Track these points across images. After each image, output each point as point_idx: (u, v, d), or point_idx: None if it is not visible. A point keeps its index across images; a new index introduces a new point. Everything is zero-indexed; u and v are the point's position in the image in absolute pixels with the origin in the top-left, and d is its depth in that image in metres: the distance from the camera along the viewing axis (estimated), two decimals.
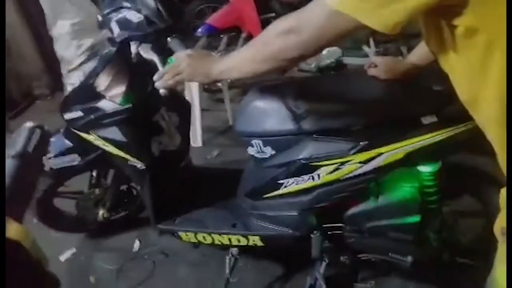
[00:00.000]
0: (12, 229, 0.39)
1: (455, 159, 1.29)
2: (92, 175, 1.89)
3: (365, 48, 3.06)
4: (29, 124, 0.56)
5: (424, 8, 0.71)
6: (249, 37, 3.01)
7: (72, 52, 2.99)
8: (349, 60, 3.08)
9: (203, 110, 2.80)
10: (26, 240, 0.39)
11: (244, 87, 3.08)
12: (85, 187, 1.92)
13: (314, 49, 0.87)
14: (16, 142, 0.53)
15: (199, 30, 2.95)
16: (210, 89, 3.08)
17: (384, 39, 3.13)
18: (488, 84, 0.75)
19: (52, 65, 3.43)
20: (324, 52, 3.04)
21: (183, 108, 1.80)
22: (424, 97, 1.21)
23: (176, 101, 1.72)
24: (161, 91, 1.15)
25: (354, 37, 2.93)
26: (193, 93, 2.60)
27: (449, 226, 1.42)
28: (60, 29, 3.05)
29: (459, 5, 0.69)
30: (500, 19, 0.68)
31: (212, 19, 3.01)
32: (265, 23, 2.89)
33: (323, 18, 0.79)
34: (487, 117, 0.81)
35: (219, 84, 2.69)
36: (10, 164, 0.48)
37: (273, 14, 2.95)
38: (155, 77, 1.15)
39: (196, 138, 2.71)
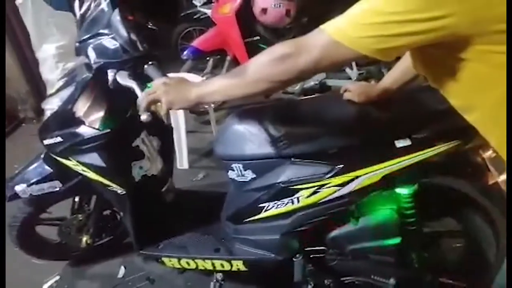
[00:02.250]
0: None
1: (434, 181, 1.30)
2: (74, 201, 1.86)
3: (348, 70, 3.10)
4: None
5: (421, 44, 0.75)
6: (234, 60, 3.05)
7: (57, 76, 2.98)
8: (332, 82, 3.14)
9: (189, 132, 2.78)
10: None
11: (230, 109, 3.10)
12: (67, 213, 1.88)
13: (309, 74, 0.89)
14: None
15: (185, 52, 2.98)
16: (196, 111, 3.08)
17: (366, 62, 3.19)
18: (477, 91, 0.79)
19: (37, 88, 3.42)
20: None
21: (164, 132, 1.80)
22: (398, 121, 1.23)
23: (157, 125, 1.71)
24: (143, 117, 1.15)
25: None
26: (178, 115, 2.59)
27: (430, 247, 1.42)
28: (46, 52, 3.05)
29: (458, 41, 0.73)
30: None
31: (198, 42, 3.05)
32: (249, 46, 2.93)
33: (323, 48, 0.81)
34: (481, 118, 0.84)
35: (206, 106, 2.69)
36: None
37: (258, 38, 2.99)
38: (138, 104, 1.15)
39: (182, 160, 2.70)
